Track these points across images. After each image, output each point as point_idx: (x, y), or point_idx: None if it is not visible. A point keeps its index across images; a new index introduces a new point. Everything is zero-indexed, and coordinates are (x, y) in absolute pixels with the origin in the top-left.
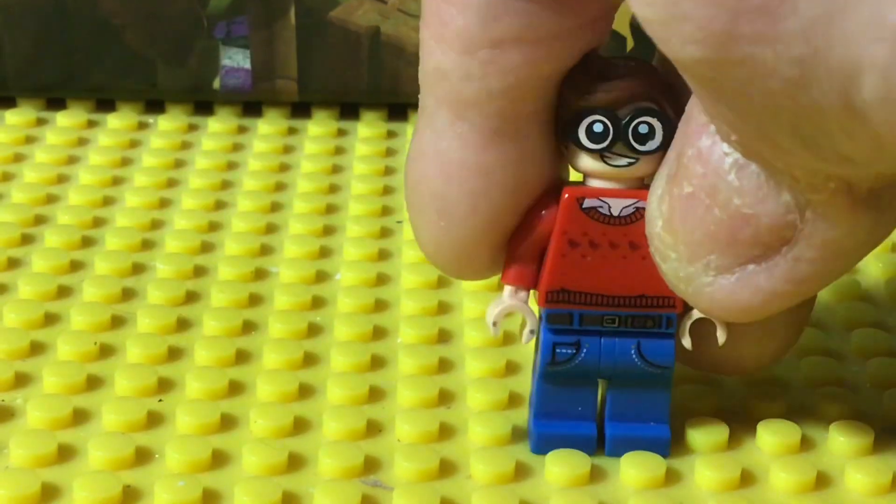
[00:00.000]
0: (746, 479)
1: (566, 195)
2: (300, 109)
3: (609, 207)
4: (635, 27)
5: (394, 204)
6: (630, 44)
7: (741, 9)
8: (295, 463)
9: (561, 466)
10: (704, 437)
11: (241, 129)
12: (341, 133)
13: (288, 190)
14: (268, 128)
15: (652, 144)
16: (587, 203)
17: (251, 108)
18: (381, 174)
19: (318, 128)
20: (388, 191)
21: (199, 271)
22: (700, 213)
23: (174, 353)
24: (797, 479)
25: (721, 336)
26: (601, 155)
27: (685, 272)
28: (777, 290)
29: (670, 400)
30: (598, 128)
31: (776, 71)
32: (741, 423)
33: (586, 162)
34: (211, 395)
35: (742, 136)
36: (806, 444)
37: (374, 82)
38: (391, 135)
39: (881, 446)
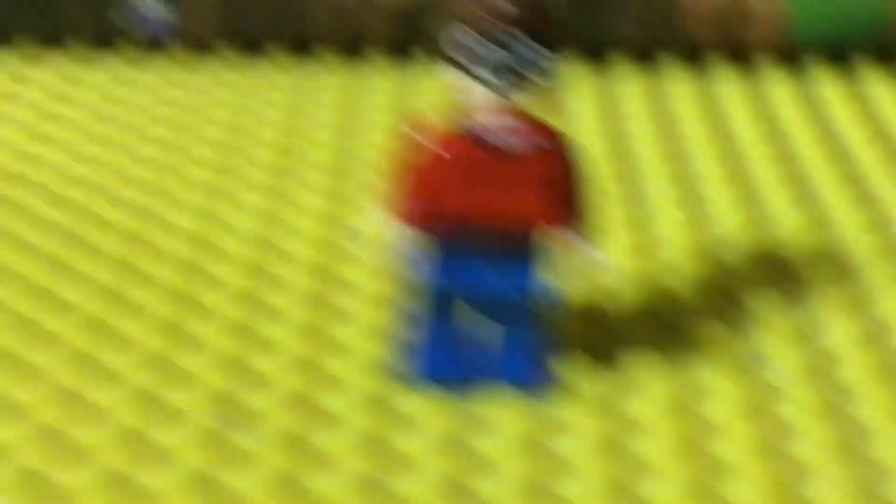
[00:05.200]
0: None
1: (450, 124)
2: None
3: (493, 135)
4: None
5: (296, 146)
6: None
7: None
8: None
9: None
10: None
11: (142, 69)
12: (250, 75)
13: (187, 132)
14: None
15: (537, 72)
16: (470, 131)
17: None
18: (289, 122)
19: (227, 71)
20: (291, 134)
21: None
22: None
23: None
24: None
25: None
26: (488, 81)
27: None
28: None
29: (547, 325)
30: (486, 53)
31: None
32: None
33: (474, 89)
34: None
35: None
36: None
37: (284, 24)
38: (304, 77)
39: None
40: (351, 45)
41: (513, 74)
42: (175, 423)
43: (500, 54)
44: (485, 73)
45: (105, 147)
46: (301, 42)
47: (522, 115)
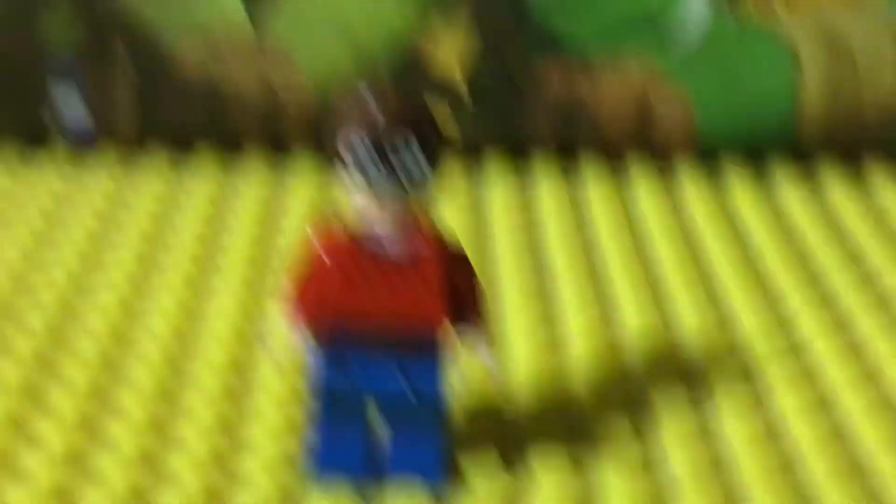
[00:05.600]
0: None
1: (338, 226)
2: (139, 150)
3: (380, 238)
4: (467, 70)
5: (217, 245)
6: (462, 87)
7: None
8: None
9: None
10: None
11: (77, 170)
12: (176, 174)
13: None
14: (104, 168)
15: (418, 175)
16: (358, 233)
17: (88, 149)
18: (211, 218)
19: (153, 170)
20: (215, 232)
21: None
22: None
23: None
24: None
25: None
26: (371, 185)
27: None
28: None
29: (444, 430)
30: (367, 157)
31: None
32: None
33: (359, 193)
34: None
35: None
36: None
37: (209, 124)
38: (227, 175)
39: None
40: (275, 142)
41: (398, 180)
42: None
43: (384, 160)
44: (369, 178)
45: (24, 244)
46: (227, 140)
47: (407, 220)
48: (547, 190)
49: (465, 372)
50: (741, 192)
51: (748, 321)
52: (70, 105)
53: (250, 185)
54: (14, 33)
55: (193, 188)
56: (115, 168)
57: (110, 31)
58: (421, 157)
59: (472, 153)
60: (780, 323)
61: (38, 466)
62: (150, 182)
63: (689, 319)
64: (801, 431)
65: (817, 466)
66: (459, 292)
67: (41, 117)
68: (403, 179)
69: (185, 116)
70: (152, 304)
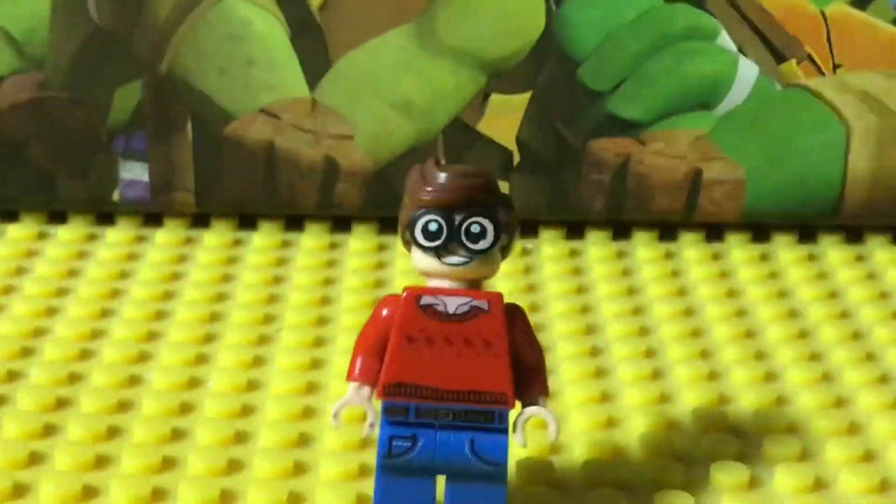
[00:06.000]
0: None
1: (405, 293)
2: (200, 220)
3: (445, 305)
4: (521, 143)
5: (276, 312)
6: (516, 158)
7: None
8: None
9: None
10: None
11: (140, 239)
12: (237, 243)
13: (174, 299)
14: (165, 238)
15: (483, 244)
16: (424, 300)
17: (152, 219)
18: (268, 283)
19: (214, 238)
20: (272, 299)
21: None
22: None
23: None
24: None
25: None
26: (437, 253)
27: None
28: None
29: (506, 495)
30: (433, 226)
31: None
32: None
33: (424, 260)
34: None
35: None
36: None
37: (269, 194)
38: (285, 244)
39: None
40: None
41: (464, 248)
42: None
43: (451, 229)
44: (436, 248)
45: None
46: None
47: (469, 284)
48: (597, 258)
49: (523, 431)
50: (789, 260)
51: (805, 399)
52: (134, 175)
53: (309, 254)
54: (86, 106)
55: (250, 258)
56: (177, 235)
57: (176, 105)
58: (486, 224)
59: (524, 223)
60: (838, 399)
61: None
62: (210, 251)
63: (744, 395)
64: (849, 483)
65: None
66: (524, 358)
67: (107, 188)
68: (469, 247)
69: (245, 187)
70: (211, 368)
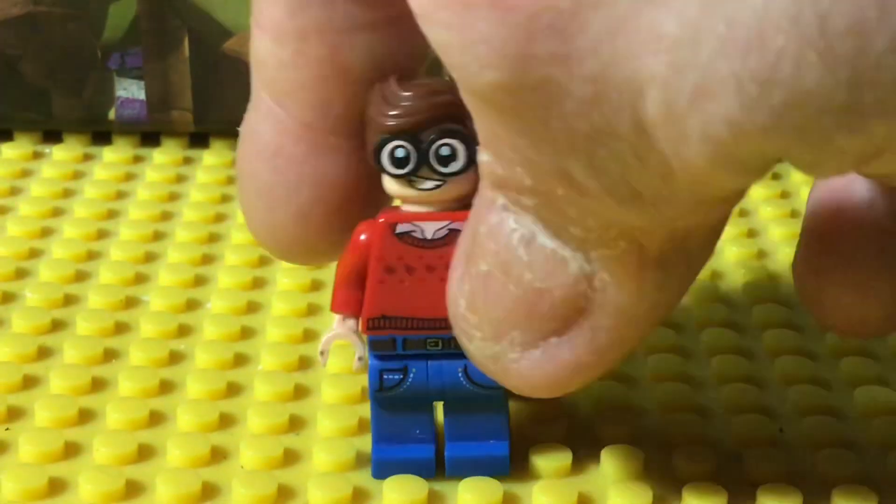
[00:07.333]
0: None
1: (380, 220)
2: (198, 139)
3: (422, 231)
4: None
5: None
6: None
7: (534, 28)
8: (134, 490)
9: (398, 492)
10: (547, 461)
11: (137, 159)
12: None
13: (172, 219)
14: (163, 157)
15: (455, 166)
16: (400, 228)
17: (149, 138)
18: None
19: (213, 158)
20: None
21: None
22: (498, 290)
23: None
24: None
25: None
26: (408, 179)
27: (491, 351)
28: (581, 361)
29: (507, 418)
30: (400, 153)
31: (571, 91)
32: (588, 449)
33: (394, 186)
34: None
35: (538, 176)
36: (647, 470)
37: None
38: None
39: (721, 472)
40: None
41: (434, 170)
42: None
43: (419, 150)
44: (405, 169)
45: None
46: None
47: (445, 206)
48: None
49: None
50: None
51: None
52: (130, 93)
53: None
54: (79, 21)
55: None
56: (175, 154)
57: (173, 21)
58: (457, 144)
59: None
60: None
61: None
62: (208, 171)
63: None
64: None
65: None
66: None
67: (102, 106)
68: (440, 171)
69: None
70: (210, 289)
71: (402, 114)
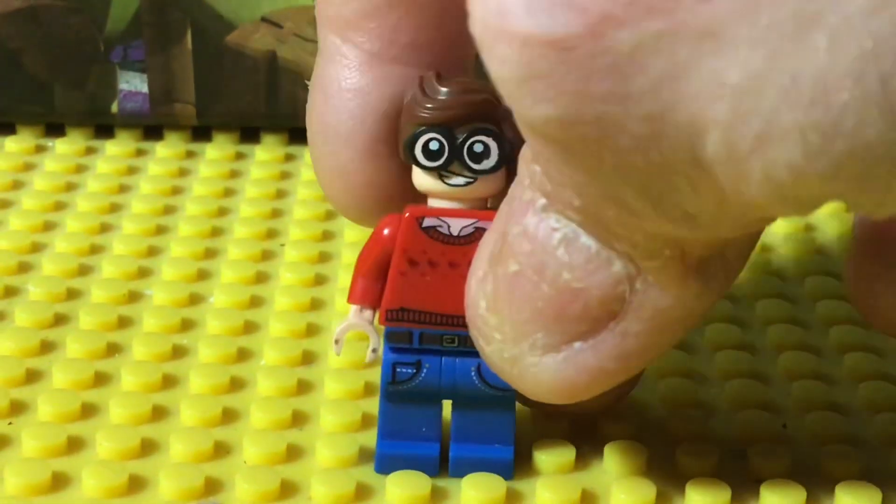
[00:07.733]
0: (587, 500)
1: (407, 214)
2: (201, 133)
3: (449, 227)
4: None
5: (279, 227)
6: None
7: (593, 68)
8: (137, 485)
9: (401, 487)
10: (550, 458)
11: (140, 152)
12: (239, 157)
13: (175, 213)
14: (166, 151)
15: (487, 164)
16: (427, 222)
17: (152, 131)
18: (271, 198)
19: (216, 151)
20: (275, 214)
21: (71, 293)
22: (528, 290)
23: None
24: (637, 502)
25: None
26: (438, 173)
27: (510, 353)
28: (603, 367)
29: (514, 421)
30: (434, 145)
31: (627, 127)
32: (591, 445)
33: (425, 180)
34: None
35: (588, 199)
36: (651, 466)
37: (272, 106)
38: (289, 158)
39: (724, 468)
40: None
41: (466, 167)
42: None
43: (452, 147)
44: (433, 163)
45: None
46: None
47: (473, 204)
48: None
49: None
50: None
51: None
52: (133, 86)
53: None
54: (82, 14)
55: (253, 172)
56: (178, 148)
57: (175, 13)
58: (490, 142)
59: None
60: None
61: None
62: (211, 165)
63: None
64: None
65: None
66: None
67: (105, 99)
68: (472, 167)
69: (246, 99)
70: (213, 284)
71: (438, 107)
